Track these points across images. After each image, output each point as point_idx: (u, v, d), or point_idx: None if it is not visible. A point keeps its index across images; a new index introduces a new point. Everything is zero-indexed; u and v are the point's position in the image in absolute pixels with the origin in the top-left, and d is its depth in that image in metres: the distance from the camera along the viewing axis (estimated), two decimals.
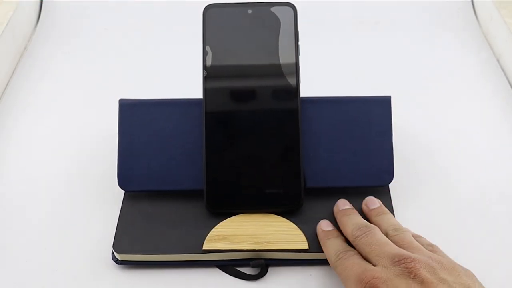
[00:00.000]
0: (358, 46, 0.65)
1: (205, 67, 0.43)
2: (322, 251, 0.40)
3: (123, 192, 0.45)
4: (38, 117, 0.56)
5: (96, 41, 0.66)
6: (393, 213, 0.43)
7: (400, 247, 0.36)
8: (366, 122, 0.45)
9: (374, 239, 0.37)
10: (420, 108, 0.55)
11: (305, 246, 0.40)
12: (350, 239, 0.38)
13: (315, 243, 0.41)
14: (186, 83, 0.49)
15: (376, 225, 0.40)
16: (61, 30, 0.67)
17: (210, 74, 0.43)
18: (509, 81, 0.59)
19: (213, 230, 0.41)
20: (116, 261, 0.41)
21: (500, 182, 0.48)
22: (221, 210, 0.43)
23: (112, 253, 0.42)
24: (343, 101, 0.45)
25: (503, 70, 0.61)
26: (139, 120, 0.45)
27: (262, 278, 0.41)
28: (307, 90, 0.44)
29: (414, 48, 0.64)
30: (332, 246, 0.39)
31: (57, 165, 0.50)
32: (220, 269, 0.41)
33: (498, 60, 0.62)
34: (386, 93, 0.45)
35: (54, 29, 0.67)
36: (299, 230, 0.41)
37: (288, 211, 0.43)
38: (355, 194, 0.44)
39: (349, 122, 0.44)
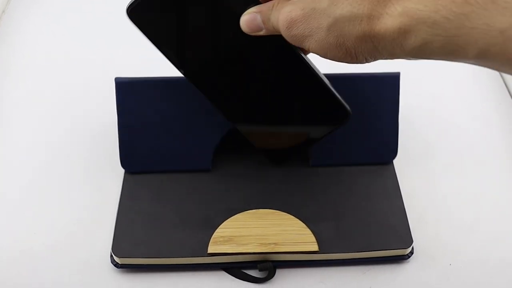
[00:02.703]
0: None
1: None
2: (333, 252, 0.39)
3: (120, 187, 0.43)
4: (19, 81, 0.54)
5: (76, 5, 0.64)
6: (399, 190, 0.43)
7: None
8: (374, 99, 0.43)
9: None
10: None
11: (315, 247, 0.39)
12: None
13: (325, 244, 0.39)
14: None
15: None
16: None
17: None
18: None
19: (217, 230, 0.39)
20: (116, 264, 0.39)
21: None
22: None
23: (111, 256, 0.39)
24: (350, 78, 0.42)
25: None
26: (137, 99, 0.42)
27: (270, 281, 0.39)
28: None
29: None
30: None
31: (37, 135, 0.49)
32: (227, 272, 0.39)
33: None
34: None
35: None
36: (307, 229, 0.39)
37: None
38: (360, 172, 0.44)
39: (356, 99, 0.42)
